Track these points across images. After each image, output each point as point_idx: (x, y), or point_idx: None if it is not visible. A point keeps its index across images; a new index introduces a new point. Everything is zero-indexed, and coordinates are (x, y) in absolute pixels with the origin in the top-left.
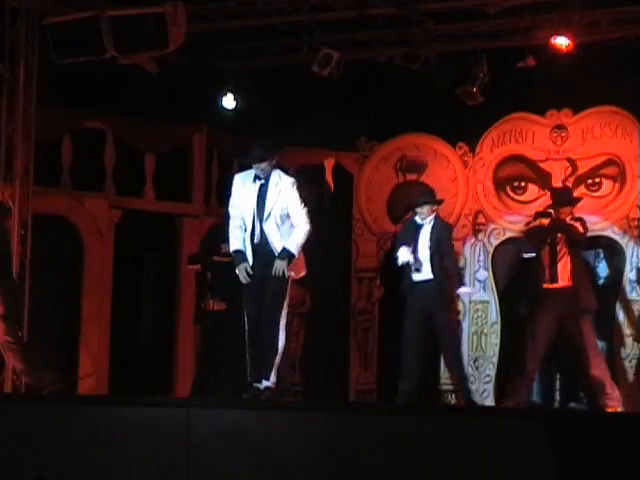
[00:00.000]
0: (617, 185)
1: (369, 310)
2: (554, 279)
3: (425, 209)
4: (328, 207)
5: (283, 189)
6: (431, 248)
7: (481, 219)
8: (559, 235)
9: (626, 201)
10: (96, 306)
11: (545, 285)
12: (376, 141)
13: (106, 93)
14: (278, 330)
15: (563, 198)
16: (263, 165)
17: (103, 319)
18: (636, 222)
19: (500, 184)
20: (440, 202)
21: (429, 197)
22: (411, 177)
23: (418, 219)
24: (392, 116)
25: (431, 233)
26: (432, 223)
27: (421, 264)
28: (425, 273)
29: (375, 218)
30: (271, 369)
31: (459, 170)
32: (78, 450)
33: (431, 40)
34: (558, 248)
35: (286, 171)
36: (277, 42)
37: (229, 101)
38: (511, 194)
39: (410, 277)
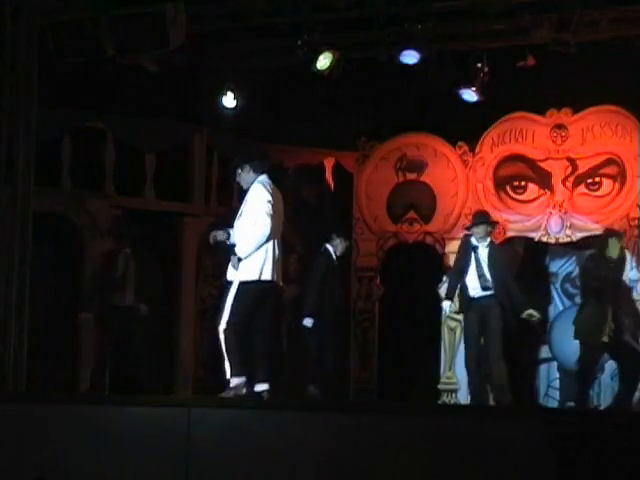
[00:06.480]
0: (617, 184)
1: (369, 310)
2: None
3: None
4: (328, 207)
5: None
6: None
7: None
8: None
9: (626, 200)
10: None
11: None
12: (376, 141)
13: (106, 93)
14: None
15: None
16: (243, 176)
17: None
18: (636, 222)
19: (500, 183)
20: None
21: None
22: (411, 176)
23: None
24: (392, 116)
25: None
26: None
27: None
28: None
29: (375, 217)
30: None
31: (459, 169)
32: (78, 450)
33: (431, 40)
34: None
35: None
36: (277, 42)
37: (229, 100)
38: (511, 193)
39: None
